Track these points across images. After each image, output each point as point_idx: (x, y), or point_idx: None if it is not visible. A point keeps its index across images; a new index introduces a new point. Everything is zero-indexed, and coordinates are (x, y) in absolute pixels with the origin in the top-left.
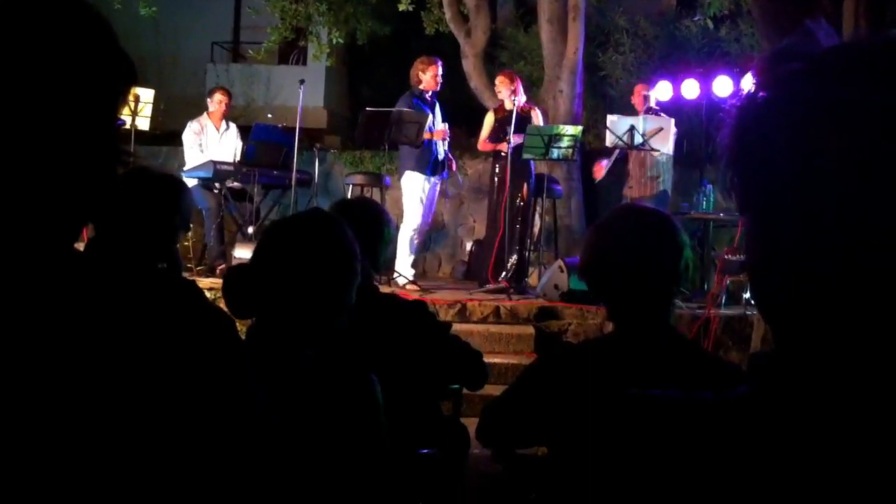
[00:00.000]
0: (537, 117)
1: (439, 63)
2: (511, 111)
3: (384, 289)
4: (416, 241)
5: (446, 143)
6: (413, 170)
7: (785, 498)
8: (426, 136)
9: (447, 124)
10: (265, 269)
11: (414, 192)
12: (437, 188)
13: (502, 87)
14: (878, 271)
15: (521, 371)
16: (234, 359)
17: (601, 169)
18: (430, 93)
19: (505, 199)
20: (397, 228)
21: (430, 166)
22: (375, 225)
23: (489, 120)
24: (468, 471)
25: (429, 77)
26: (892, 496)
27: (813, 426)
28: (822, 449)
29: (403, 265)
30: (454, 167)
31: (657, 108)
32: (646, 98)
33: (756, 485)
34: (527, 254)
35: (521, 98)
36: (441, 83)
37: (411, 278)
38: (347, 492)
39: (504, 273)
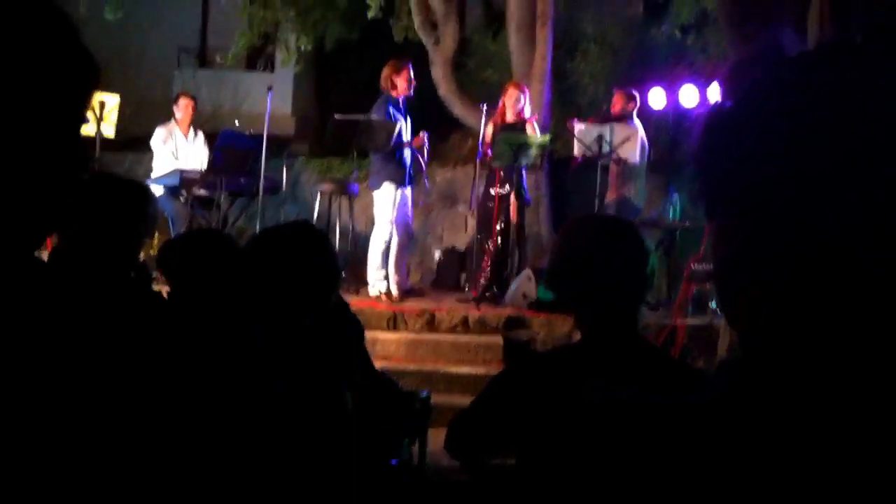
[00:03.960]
0: (534, 129)
1: (410, 66)
2: (511, 123)
3: (354, 299)
4: (394, 253)
5: (426, 151)
6: (387, 180)
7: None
8: (404, 144)
9: (427, 133)
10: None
11: (386, 204)
12: (410, 198)
13: (512, 98)
14: (843, 276)
15: (488, 380)
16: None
17: (575, 161)
18: (402, 98)
19: (496, 211)
20: (365, 239)
21: (404, 176)
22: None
23: (489, 132)
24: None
25: (402, 81)
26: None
27: (779, 431)
28: (786, 453)
29: (374, 275)
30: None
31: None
32: (623, 105)
33: (719, 488)
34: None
35: (528, 111)
36: (414, 86)
37: (384, 290)
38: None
39: (492, 283)
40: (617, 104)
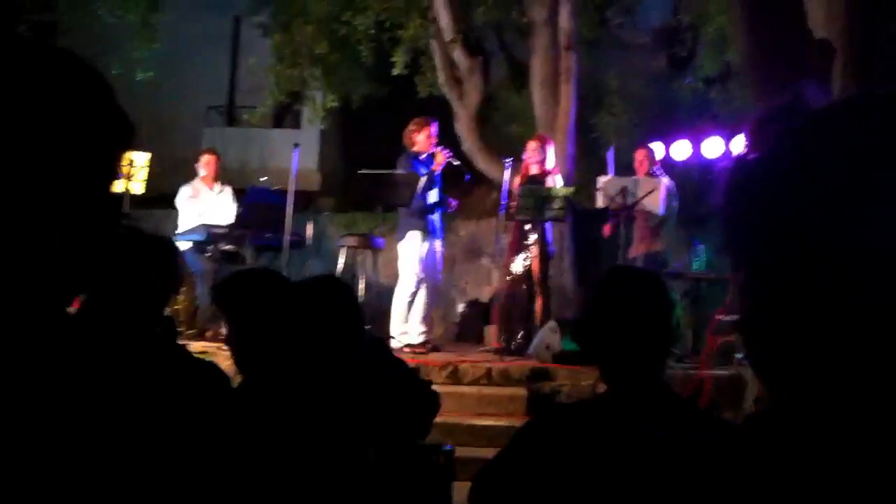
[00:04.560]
0: (555, 181)
1: (433, 124)
2: (534, 176)
3: None
4: (421, 305)
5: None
6: (411, 230)
7: None
8: (450, 204)
9: (449, 151)
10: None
11: (411, 254)
12: (440, 251)
13: (534, 152)
14: (870, 331)
15: (513, 433)
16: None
17: (608, 229)
18: (425, 154)
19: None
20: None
21: (430, 227)
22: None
23: (515, 184)
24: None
25: (422, 138)
26: None
27: (808, 483)
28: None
29: (398, 328)
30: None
31: (659, 171)
32: (647, 161)
33: None
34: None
35: (551, 163)
36: (446, 151)
37: (405, 341)
38: None
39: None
40: (642, 161)
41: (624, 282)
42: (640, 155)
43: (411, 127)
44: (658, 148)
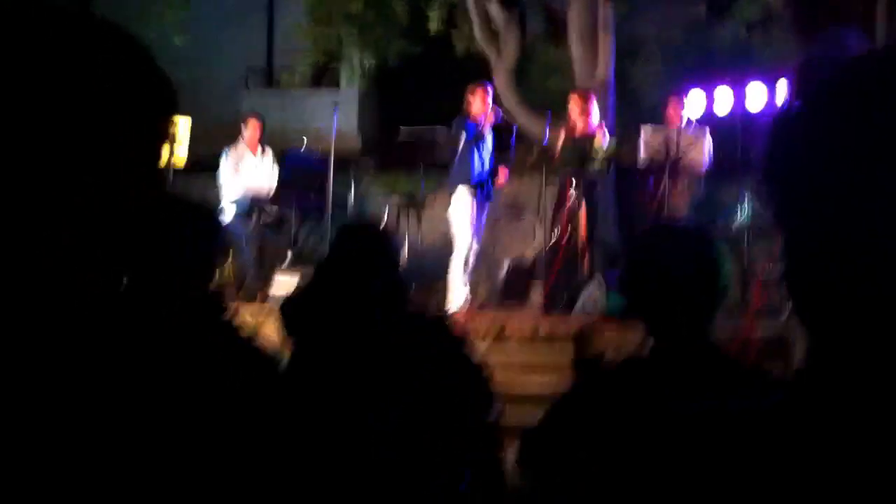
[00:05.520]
0: (604, 135)
1: (488, 87)
2: (581, 132)
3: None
4: (469, 267)
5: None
6: (464, 184)
7: None
8: (500, 176)
9: (505, 170)
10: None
11: (464, 212)
12: (486, 211)
13: (575, 106)
14: None
15: (559, 393)
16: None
17: (652, 203)
18: (481, 118)
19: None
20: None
21: (480, 188)
22: (382, 255)
23: (560, 140)
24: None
25: (477, 100)
26: None
27: (851, 435)
28: (859, 460)
29: (456, 295)
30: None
31: (693, 121)
32: (680, 113)
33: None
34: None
35: (596, 118)
36: (495, 108)
37: (466, 301)
38: None
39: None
40: (674, 111)
41: (668, 240)
42: (672, 105)
43: (467, 91)
44: (699, 97)
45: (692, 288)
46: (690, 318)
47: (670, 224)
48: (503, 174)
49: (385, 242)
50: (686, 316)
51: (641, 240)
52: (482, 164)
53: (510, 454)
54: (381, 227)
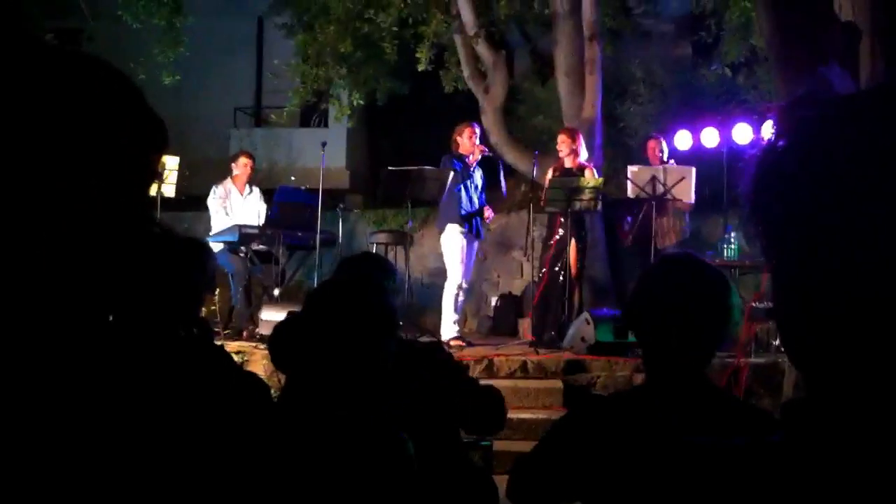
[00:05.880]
0: (592, 174)
1: (475, 126)
2: (569, 169)
3: None
4: (460, 299)
5: (488, 219)
6: (453, 222)
7: None
8: (486, 212)
9: (491, 211)
10: (312, 328)
11: (454, 248)
12: (476, 247)
13: (563, 145)
14: None
15: (550, 425)
16: (266, 423)
17: (626, 233)
18: (469, 156)
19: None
20: (434, 287)
21: (469, 223)
22: (378, 277)
23: (549, 178)
24: None
25: (465, 139)
26: None
27: (846, 472)
28: (855, 495)
29: (447, 324)
30: (490, 216)
31: (671, 161)
32: (660, 152)
33: None
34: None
35: (584, 155)
36: (480, 145)
37: (455, 334)
38: None
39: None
40: (653, 151)
41: (680, 273)
42: (652, 145)
43: (455, 132)
44: (685, 136)
45: (703, 323)
46: (697, 352)
47: (682, 256)
48: (488, 213)
49: (387, 268)
50: (693, 350)
51: (653, 271)
52: (470, 202)
53: (501, 486)
54: (382, 257)
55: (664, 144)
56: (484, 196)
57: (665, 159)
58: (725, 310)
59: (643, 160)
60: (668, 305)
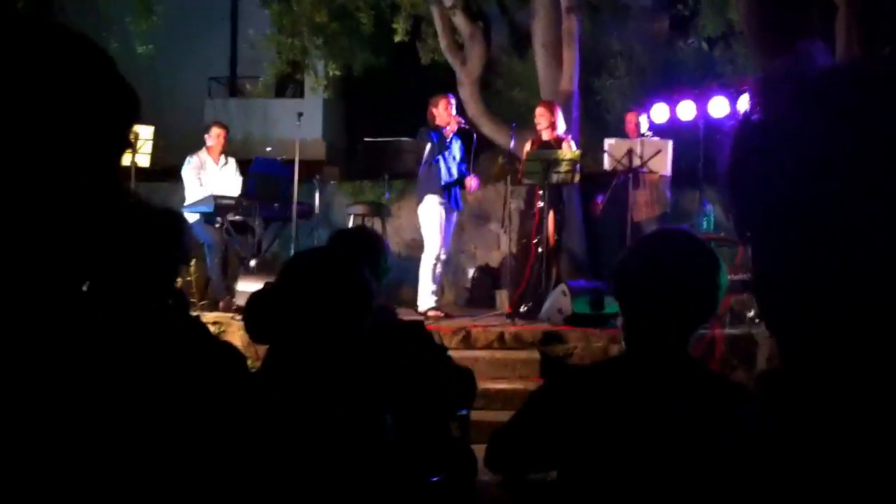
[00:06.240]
0: (570, 147)
1: (450, 97)
2: (547, 142)
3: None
4: (438, 271)
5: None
6: (432, 193)
7: None
8: (469, 182)
9: (477, 179)
10: (286, 300)
11: (433, 219)
12: (455, 219)
13: (542, 118)
14: (878, 286)
15: (527, 396)
16: (245, 393)
17: (598, 206)
18: (446, 128)
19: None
20: (411, 259)
21: (447, 194)
22: (372, 254)
23: (527, 150)
24: (476, 497)
25: (441, 110)
26: None
27: (821, 442)
28: (830, 465)
29: (425, 294)
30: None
31: (650, 133)
32: (637, 125)
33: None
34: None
35: (562, 128)
36: (457, 116)
37: (434, 304)
38: None
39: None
40: (632, 123)
41: (671, 247)
42: (631, 118)
43: (430, 102)
44: (662, 109)
45: (691, 298)
46: (681, 326)
47: (677, 231)
48: (475, 181)
49: (377, 245)
50: (678, 324)
51: (647, 242)
52: (449, 172)
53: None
54: (377, 234)
55: (643, 118)
56: (465, 166)
57: (643, 133)
58: (714, 288)
59: (621, 133)
60: (659, 277)
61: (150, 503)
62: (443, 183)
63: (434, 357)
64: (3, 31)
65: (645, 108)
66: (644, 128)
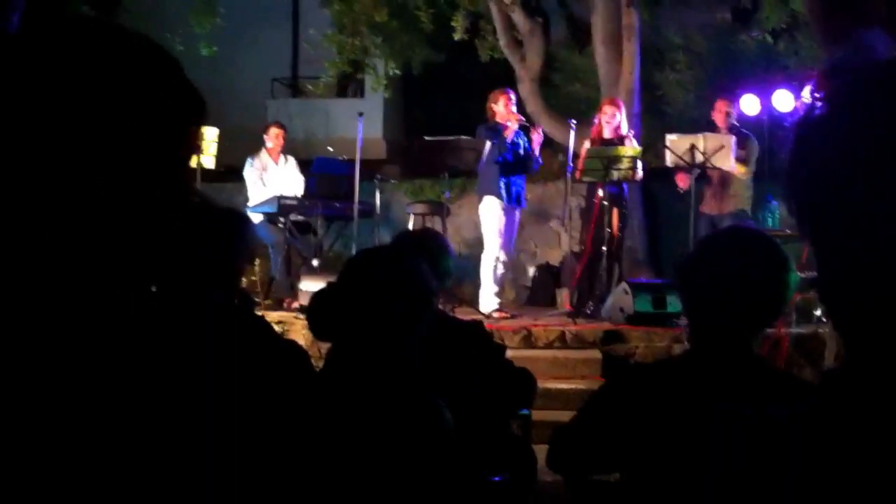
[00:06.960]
0: (632, 144)
1: (509, 92)
2: (608, 139)
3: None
4: (499, 272)
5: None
6: (490, 194)
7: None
8: (534, 135)
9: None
10: (348, 298)
11: (492, 220)
12: (517, 218)
13: (611, 117)
14: None
15: (589, 395)
16: (308, 390)
17: (685, 178)
18: (506, 124)
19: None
20: (471, 258)
21: (508, 193)
22: (435, 256)
23: (586, 147)
24: (537, 497)
25: (500, 107)
26: None
27: (879, 438)
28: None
29: (487, 295)
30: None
31: (738, 124)
32: (727, 114)
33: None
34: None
35: (625, 126)
36: (515, 114)
37: (497, 306)
38: None
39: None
40: (723, 112)
41: (741, 245)
42: (721, 105)
43: (489, 98)
44: (752, 101)
45: (759, 298)
46: (748, 325)
47: (747, 229)
48: (537, 136)
49: (440, 248)
50: (744, 323)
51: (716, 239)
52: (509, 170)
53: (540, 455)
54: (441, 236)
55: (733, 107)
56: (521, 163)
57: (734, 123)
58: (783, 288)
59: (684, 125)
60: (726, 278)
61: (225, 495)
62: (502, 181)
63: (491, 356)
64: (70, 35)
65: (705, 102)
66: (734, 117)
